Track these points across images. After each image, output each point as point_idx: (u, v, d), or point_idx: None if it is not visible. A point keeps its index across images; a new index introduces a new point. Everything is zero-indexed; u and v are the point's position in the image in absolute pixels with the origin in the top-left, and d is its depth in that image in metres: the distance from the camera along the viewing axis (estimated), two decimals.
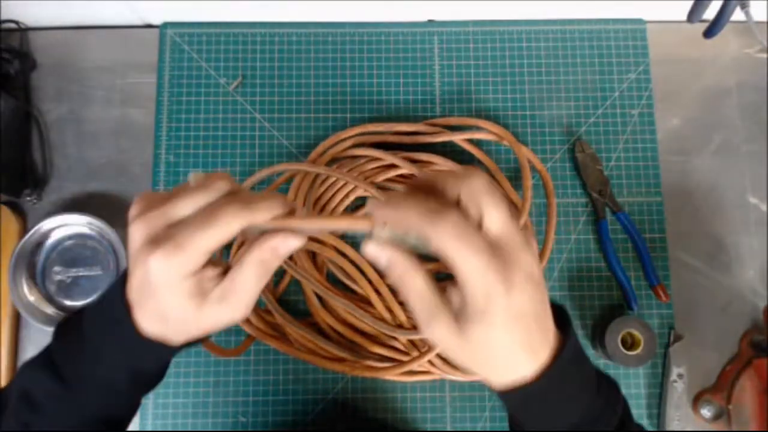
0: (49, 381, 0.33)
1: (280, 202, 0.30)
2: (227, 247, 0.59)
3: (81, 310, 0.35)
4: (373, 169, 0.60)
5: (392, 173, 0.59)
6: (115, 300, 0.32)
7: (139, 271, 0.30)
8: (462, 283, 0.28)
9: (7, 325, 0.58)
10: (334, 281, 0.59)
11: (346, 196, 0.60)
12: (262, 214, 0.30)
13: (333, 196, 0.59)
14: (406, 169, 0.59)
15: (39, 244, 0.59)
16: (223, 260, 0.32)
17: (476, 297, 0.28)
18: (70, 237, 0.59)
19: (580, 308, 0.61)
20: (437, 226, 0.27)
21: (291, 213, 0.30)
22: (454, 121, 0.63)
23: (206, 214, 0.29)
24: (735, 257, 0.62)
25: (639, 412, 0.59)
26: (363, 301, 0.58)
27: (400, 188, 0.59)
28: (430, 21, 0.67)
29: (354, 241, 0.62)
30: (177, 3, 0.63)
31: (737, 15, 0.51)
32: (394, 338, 0.56)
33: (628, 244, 0.62)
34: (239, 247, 0.58)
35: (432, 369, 0.56)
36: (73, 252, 0.59)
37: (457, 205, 0.29)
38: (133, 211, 0.30)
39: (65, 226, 0.59)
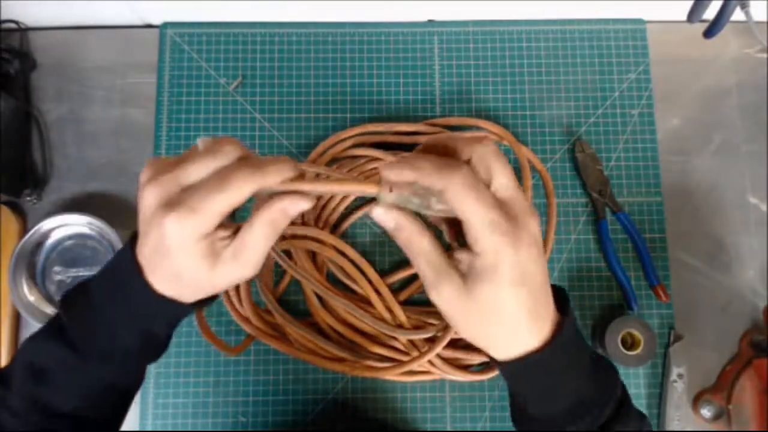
0: (59, 350, 0.33)
1: (289, 165, 0.31)
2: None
3: (85, 282, 0.35)
4: (373, 169, 0.60)
5: None
6: (125, 265, 0.32)
7: (154, 233, 0.30)
8: (472, 239, 0.29)
9: (7, 325, 0.58)
10: (334, 281, 0.60)
11: (346, 195, 0.60)
12: (273, 178, 0.30)
13: (333, 195, 0.59)
14: None
15: (39, 244, 0.59)
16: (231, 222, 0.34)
17: (486, 252, 0.29)
18: (70, 237, 0.59)
19: (580, 308, 0.61)
20: (451, 177, 0.29)
21: (300, 176, 0.31)
22: (454, 121, 0.63)
23: (219, 178, 0.30)
24: (735, 257, 0.62)
25: None
26: (363, 301, 0.58)
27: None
28: (430, 21, 0.67)
29: (354, 240, 0.62)
30: (177, 3, 0.63)
31: (737, 15, 0.51)
32: (394, 338, 0.56)
33: (628, 244, 0.62)
34: None
35: (432, 369, 0.56)
36: (73, 252, 0.59)
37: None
38: (144, 176, 0.31)
39: (65, 226, 0.59)
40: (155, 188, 0.30)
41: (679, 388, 0.58)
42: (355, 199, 0.61)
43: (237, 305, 0.58)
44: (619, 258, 0.61)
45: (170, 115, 0.63)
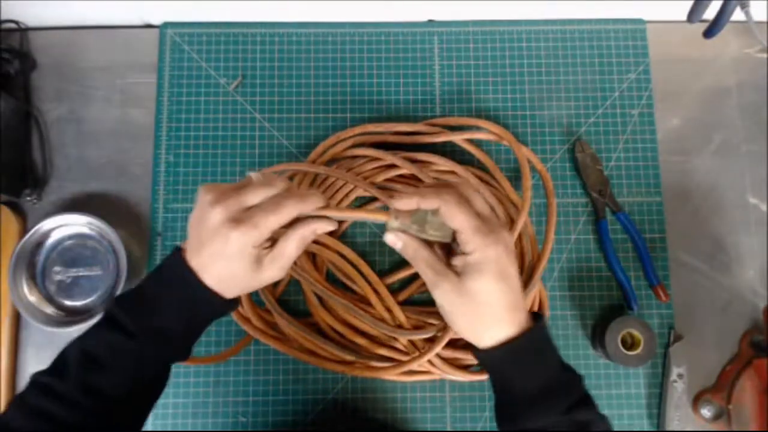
0: (111, 337, 0.39)
1: (321, 197, 0.41)
2: None
3: (137, 288, 0.41)
4: (373, 169, 0.60)
5: (392, 173, 0.59)
6: (177, 265, 0.40)
7: (219, 241, 0.38)
8: (464, 243, 0.39)
9: (7, 325, 0.58)
10: (333, 281, 0.60)
11: (346, 195, 0.60)
12: (310, 205, 0.40)
13: (333, 196, 0.59)
14: (406, 169, 0.59)
15: (39, 244, 0.59)
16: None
17: (474, 251, 0.39)
18: (70, 237, 0.59)
19: (580, 308, 0.61)
20: (445, 196, 0.39)
21: (326, 206, 0.41)
22: (454, 121, 0.63)
23: (274, 203, 0.39)
24: (735, 257, 0.62)
25: (639, 412, 0.59)
26: (362, 302, 0.58)
27: (400, 188, 0.60)
28: (430, 21, 0.67)
29: (353, 241, 0.62)
30: (177, 3, 0.63)
31: (737, 15, 0.51)
32: (394, 338, 0.56)
33: (628, 244, 0.62)
34: None
35: (432, 369, 0.56)
36: (73, 252, 0.59)
37: None
38: (206, 198, 0.39)
39: (65, 226, 0.59)
40: (222, 208, 0.38)
41: (679, 388, 0.58)
42: (355, 199, 0.61)
43: None
44: (619, 258, 0.61)
45: (170, 115, 0.63)
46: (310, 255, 0.59)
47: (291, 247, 0.40)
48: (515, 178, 0.63)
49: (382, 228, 0.44)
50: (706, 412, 0.58)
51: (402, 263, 0.61)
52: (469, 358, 0.56)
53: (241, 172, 0.63)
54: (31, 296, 0.58)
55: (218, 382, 0.58)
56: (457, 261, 0.41)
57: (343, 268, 0.58)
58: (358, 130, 0.62)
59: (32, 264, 0.58)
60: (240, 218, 0.38)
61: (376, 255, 0.61)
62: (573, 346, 0.60)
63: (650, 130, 0.64)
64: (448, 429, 0.59)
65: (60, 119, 0.63)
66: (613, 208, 0.62)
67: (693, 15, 0.51)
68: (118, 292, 0.57)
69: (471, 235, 0.38)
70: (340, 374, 0.59)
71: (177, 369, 0.58)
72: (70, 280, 0.59)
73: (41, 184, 0.62)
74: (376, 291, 0.57)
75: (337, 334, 0.57)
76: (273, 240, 0.41)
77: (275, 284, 0.59)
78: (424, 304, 0.59)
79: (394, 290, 0.59)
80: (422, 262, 0.41)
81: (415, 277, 0.60)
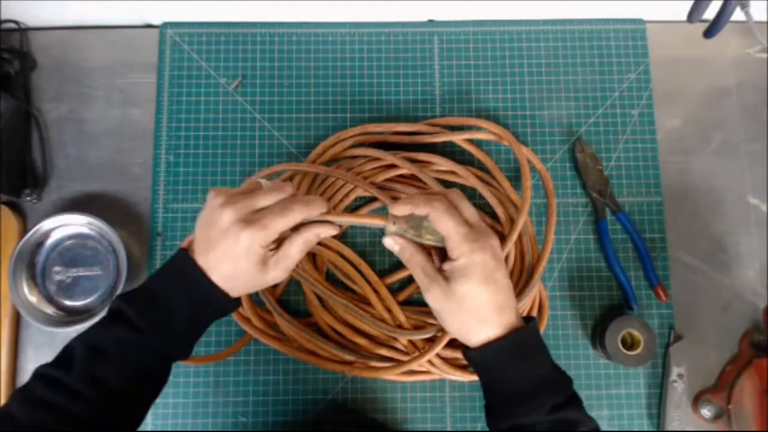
0: (118, 331, 0.40)
1: (324, 203, 0.43)
2: None
3: (142, 286, 0.42)
4: (373, 169, 0.60)
5: (392, 173, 0.59)
6: (184, 262, 0.41)
7: (229, 241, 0.40)
8: (451, 249, 0.41)
9: (7, 325, 0.58)
10: (333, 281, 0.60)
11: (346, 195, 0.60)
12: (315, 210, 0.42)
13: (333, 195, 0.59)
14: (405, 169, 0.59)
15: (39, 244, 0.59)
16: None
17: (461, 256, 0.41)
18: (70, 237, 0.59)
19: (580, 308, 0.61)
20: (434, 204, 0.41)
21: (329, 211, 0.43)
22: (454, 121, 0.63)
23: (282, 207, 0.41)
24: (735, 257, 0.62)
25: (639, 412, 0.59)
26: (362, 302, 0.58)
27: (400, 188, 0.60)
28: (430, 21, 0.67)
29: (353, 241, 0.62)
30: (177, 3, 0.63)
31: (737, 15, 0.51)
32: (394, 338, 0.56)
33: (628, 244, 0.62)
34: None
35: (432, 369, 0.56)
36: (73, 252, 0.59)
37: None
38: (217, 200, 0.41)
39: (65, 226, 0.59)
40: (232, 209, 0.40)
41: (679, 388, 0.58)
42: (355, 199, 0.61)
43: None
44: (619, 258, 0.61)
45: (170, 115, 0.63)
46: (310, 255, 0.59)
47: (295, 249, 0.43)
48: (515, 178, 0.63)
49: (382, 229, 0.45)
50: (706, 412, 0.58)
51: (401, 264, 0.60)
52: None
53: (241, 172, 0.63)
54: (31, 296, 0.58)
55: (218, 382, 0.58)
56: (446, 266, 0.42)
57: (343, 268, 0.58)
58: (358, 130, 0.62)
59: (32, 264, 0.58)
60: (250, 219, 0.40)
61: (376, 255, 0.61)
62: (573, 346, 0.60)
63: (650, 130, 0.64)
64: (448, 429, 0.59)
65: (60, 119, 0.63)
66: (613, 208, 0.62)
67: (693, 15, 0.51)
68: (118, 292, 0.57)
69: (458, 241, 0.40)
70: (340, 374, 0.59)
71: (177, 369, 0.58)
72: (70, 280, 0.59)
73: (41, 184, 0.62)
74: (376, 291, 0.57)
75: (337, 334, 0.57)
76: (278, 243, 0.43)
77: (275, 285, 0.59)
78: (424, 304, 0.59)
79: (394, 290, 0.59)
80: (417, 266, 0.43)
81: None
